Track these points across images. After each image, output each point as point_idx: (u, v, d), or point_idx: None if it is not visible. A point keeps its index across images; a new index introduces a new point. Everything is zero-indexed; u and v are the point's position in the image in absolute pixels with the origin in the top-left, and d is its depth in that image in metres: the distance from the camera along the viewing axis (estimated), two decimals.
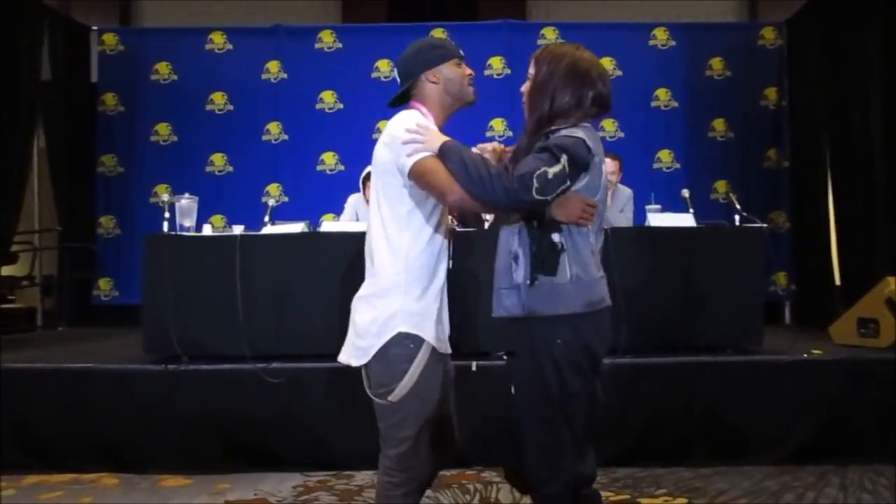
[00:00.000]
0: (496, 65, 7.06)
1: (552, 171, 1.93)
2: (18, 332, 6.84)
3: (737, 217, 4.42)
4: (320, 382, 3.95)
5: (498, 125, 6.96)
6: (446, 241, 2.21)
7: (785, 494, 3.47)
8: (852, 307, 4.78)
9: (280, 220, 4.90)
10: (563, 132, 2.03)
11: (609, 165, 4.91)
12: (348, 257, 4.15)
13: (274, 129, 7.13)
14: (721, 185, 6.98)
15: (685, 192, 4.72)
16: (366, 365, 2.15)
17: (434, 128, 2.13)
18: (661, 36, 7.16)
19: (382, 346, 2.10)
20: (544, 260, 2.02)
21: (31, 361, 4.18)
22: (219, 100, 7.15)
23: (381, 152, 2.15)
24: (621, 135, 7.03)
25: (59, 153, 6.98)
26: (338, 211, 5.56)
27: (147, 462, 3.91)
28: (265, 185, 7.04)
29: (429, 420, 2.14)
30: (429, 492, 3.52)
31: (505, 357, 3.79)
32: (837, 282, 6.32)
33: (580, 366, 2.03)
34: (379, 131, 6.90)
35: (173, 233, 4.23)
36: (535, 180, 1.92)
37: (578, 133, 2.02)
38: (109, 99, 7.19)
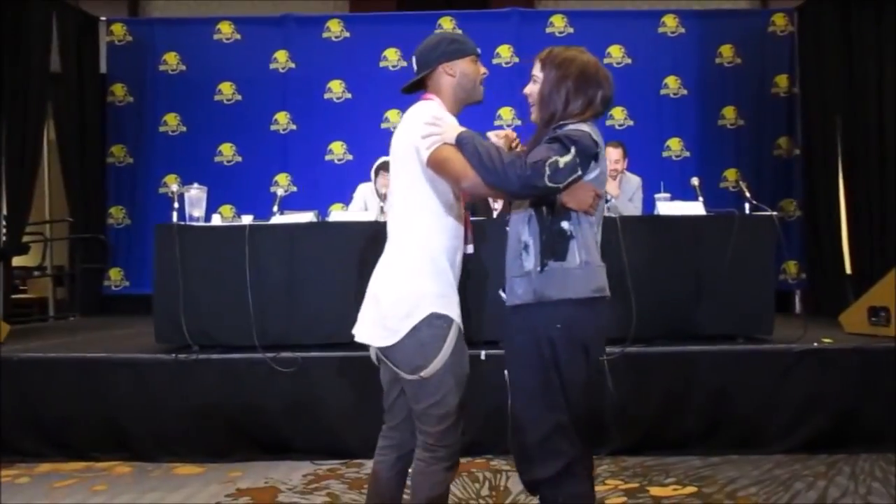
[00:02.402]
0: (504, 53, 7.04)
1: (563, 160, 2.01)
2: (31, 321, 6.90)
3: (747, 205, 4.39)
4: (330, 371, 3.97)
5: (507, 114, 6.94)
6: (462, 228, 2.27)
7: (795, 483, 3.46)
8: (863, 296, 4.76)
9: (289, 209, 4.91)
10: (570, 127, 2.12)
11: (612, 153, 4.94)
12: (357, 247, 4.16)
13: (282, 119, 7.14)
14: (731, 174, 6.95)
15: (695, 181, 4.70)
16: (394, 345, 2.18)
17: (451, 119, 2.20)
18: (670, 23, 7.11)
19: (413, 328, 2.15)
20: (554, 246, 2.10)
21: (44, 351, 4.21)
22: (227, 90, 7.16)
23: (400, 141, 2.22)
24: (630, 123, 7.00)
25: (70, 144, 7.01)
26: (347, 200, 5.56)
27: (159, 450, 3.94)
28: (274, 174, 7.06)
29: (463, 396, 2.21)
30: None
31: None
32: (848, 270, 6.29)
33: (580, 350, 2.09)
34: (387, 120, 6.97)
35: (183, 223, 4.25)
36: (547, 168, 1.99)
37: (584, 128, 2.12)
38: (118, 89, 7.21)
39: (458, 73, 2.26)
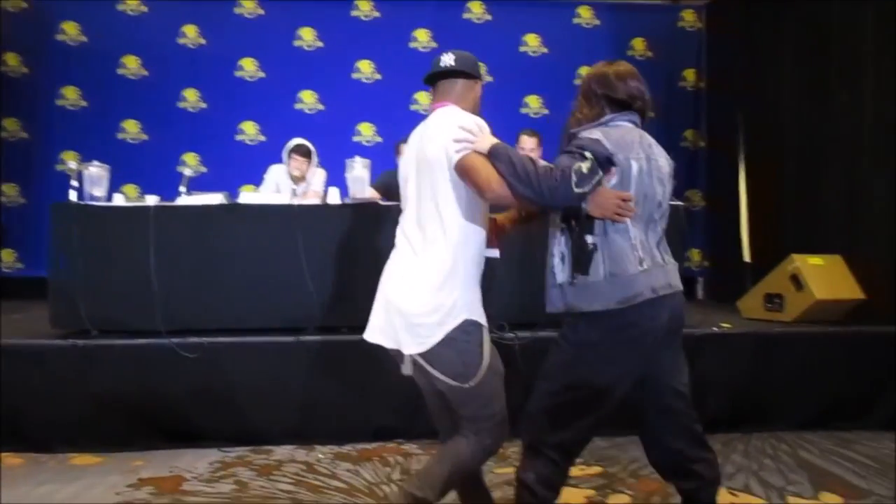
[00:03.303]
0: (422, 37, 7.01)
1: (584, 165, 2.08)
2: None
3: None
4: (238, 357, 3.87)
5: (424, 99, 6.92)
6: (486, 233, 2.33)
7: None
8: (759, 283, 5.00)
9: (197, 190, 4.74)
10: (582, 134, 2.21)
11: (528, 142, 5.00)
12: (268, 229, 4.08)
13: (191, 97, 6.88)
14: None
15: None
16: (427, 352, 2.21)
17: (487, 130, 2.25)
18: (585, 14, 7.23)
19: (447, 336, 2.19)
20: (580, 261, 2.18)
21: None
22: (132, 64, 6.83)
23: (431, 146, 2.25)
24: (546, 111, 7.10)
25: None
26: (257, 182, 5.43)
27: (55, 440, 3.75)
28: (181, 154, 6.79)
29: (504, 393, 2.30)
30: (349, 465, 3.53)
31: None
32: (747, 258, 6.59)
33: (614, 358, 2.20)
34: (301, 101, 6.84)
35: (82, 202, 4.05)
36: (574, 174, 2.06)
37: (595, 133, 2.19)
38: (12, 59, 6.76)
39: (474, 94, 2.41)
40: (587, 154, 2.10)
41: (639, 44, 7.26)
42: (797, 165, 5.91)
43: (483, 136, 2.21)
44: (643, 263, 2.18)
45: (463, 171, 2.19)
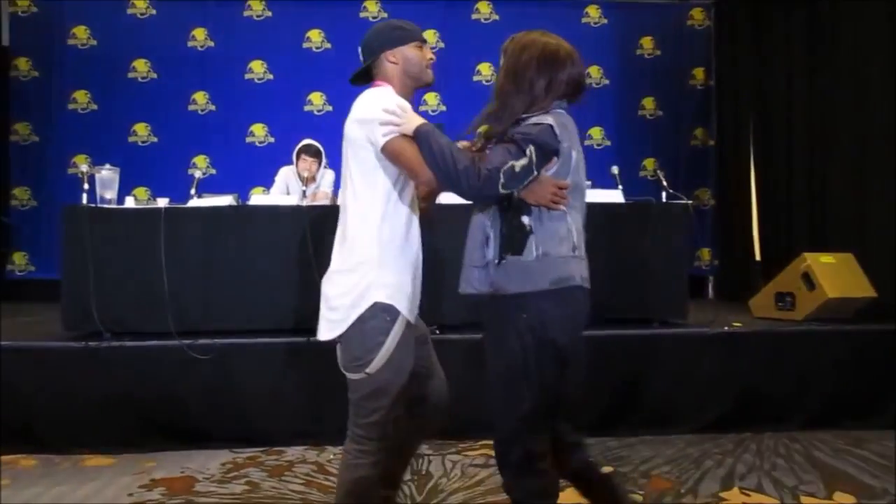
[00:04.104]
0: (430, 38, 7.00)
1: (519, 164, 1.99)
2: None
3: (664, 194, 4.52)
4: (249, 358, 3.88)
5: (432, 99, 6.93)
6: (416, 215, 2.25)
7: (705, 461, 3.61)
8: (771, 282, 4.97)
9: (208, 192, 4.77)
10: (533, 119, 2.08)
11: None
12: (279, 231, 4.09)
13: (201, 99, 6.91)
14: (650, 163, 7.13)
15: (615, 169, 4.80)
16: (339, 337, 2.16)
17: (411, 111, 2.16)
18: (593, 13, 7.22)
19: (358, 318, 2.12)
20: (512, 240, 2.07)
21: None
22: (142, 67, 6.87)
23: (353, 128, 2.18)
24: None
25: None
26: (268, 184, 5.44)
27: (68, 442, 3.76)
28: (192, 156, 6.83)
29: (402, 390, 2.17)
30: None
31: (438, 332, 3.83)
32: (758, 257, 6.56)
33: (546, 340, 2.05)
34: (311, 103, 6.85)
35: (94, 205, 4.07)
36: (501, 175, 1.98)
37: (547, 119, 2.07)
38: (23, 63, 6.81)
39: (402, 59, 2.25)
40: (527, 150, 1.99)
41: (647, 42, 7.25)
42: (807, 163, 5.89)
43: (408, 117, 2.11)
44: (575, 250, 2.11)
45: (392, 154, 2.11)
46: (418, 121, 2.10)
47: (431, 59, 2.30)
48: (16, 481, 3.40)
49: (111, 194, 4.17)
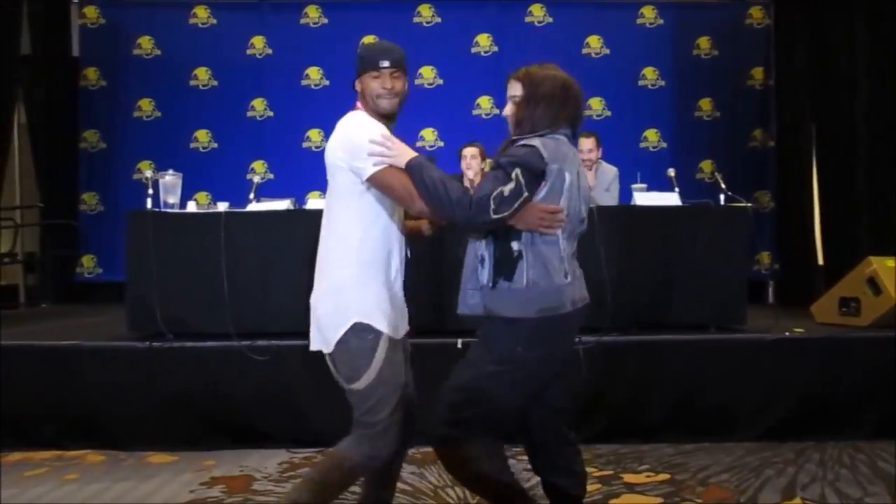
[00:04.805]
0: (483, 42, 7.01)
1: (507, 188, 2.08)
2: (1, 308, 6.77)
3: (722, 196, 4.43)
4: (305, 360, 3.92)
5: (485, 103, 6.91)
6: (399, 234, 2.32)
7: (765, 470, 3.52)
8: (834, 287, 4.83)
9: (265, 197, 4.86)
10: (521, 142, 2.17)
11: (585, 143, 4.97)
12: None
13: (259, 106, 7.07)
14: (707, 165, 7.00)
15: (671, 172, 4.73)
16: (330, 354, 2.28)
17: (399, 142, 2.22)
18: (648, 14, 7.13)
19: (342, 337, 2.23)
20: (504, 265, 2.17)
21: (15, 338, 4.15)
22: (202, 75, 7.06)
23: (334, 152, 2.26)
24: (608, 113, 7.02)
25: (40, 128, 6.88)
26: (323, 188, 5.50)
27: (132, 439, 3.90)
28: (250, 162, 6.99)
29: (398, 404, 2.26)
30: (414, 468, 3.55)
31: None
32: (820, 261, 6.38)
33: (531, 368, 2.20)
34: None
35: (157, 209, 4.20)
36: (491, 202, 2.07)
37: (534, 142, 2.15)
38: (91, 73, 7.08)
39: (361, 87, 2.32)
40: (513, 174, 2.08)
41: (704, 42, 7.11)
42: (871, 164, 5.70)
43: (398, 148, 2.18)
44: (567, 276, 2.20)
45: (382, 186, 2.18)
46: (409, 153, 2.18)
47: (389, 88, 2.28)
48: (84, 476, 3.53)
49: (174, 199, 4.29)
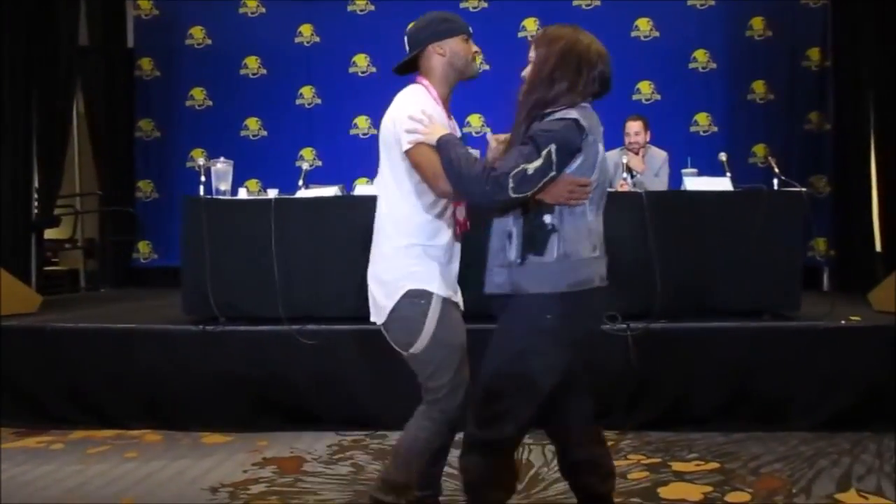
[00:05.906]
0: (530, 26, 6.96)
1: (532, 166, 1.98)
2: (63, 293, 7.03)
3: (775, 181, 4.34)
4: (354, 344, 4.00)
5: None
6: (449, 209, 2.32)
7: (819, 460, 3.45)
8: (893, 273, 4.69)
9: (314, 183, 4.93)
10: (557, 115, 2.06)
11: (632, 126, 4.90)
12: None
13: (307, 94, 7.15)
14: (760, 149, 6.83)
15: (723, 156, 4.65)
16: (384, 324, 2.32)
17: (438, 119, 2.23)
18: None
19: (394, 308, 2.26)
20: (534, 240, 2.08)
21: (76, 321, 4.31)
22: (252, 64, 7.17)
23: (387, 126, 2.29)
24: (658, 97, 6.91)
25: (98, 117, 7.10)
26: (371, 175, 5.53)
27: (188, 419, 4.02)
28: (299, 149, 7.08)
29: (461, 364, 2.30)
30: (457, 452, 3.58)
31: None
32: (878, 248, 6.20)
33: (562, 341, 2.11)
34: None
35: (210, 196, 4.29)
36: (510, 180, 1.98)
37: (572, 114, 2.05)
38: (146, 63, 7.26)
39: (449, 52, 2.30)
40: (545, 151, 1.97)
41: (758, 23, 6.92)
42: None
43: (433, 126, 2.17)
44: (596, 250, 2.12)
45: (413, 163, 2.21)
46: (442, 131, 2.16)
47: (477, 52, 2.35)
48: (142, 454, 3.65)
49: (225, 186, 4.38)
